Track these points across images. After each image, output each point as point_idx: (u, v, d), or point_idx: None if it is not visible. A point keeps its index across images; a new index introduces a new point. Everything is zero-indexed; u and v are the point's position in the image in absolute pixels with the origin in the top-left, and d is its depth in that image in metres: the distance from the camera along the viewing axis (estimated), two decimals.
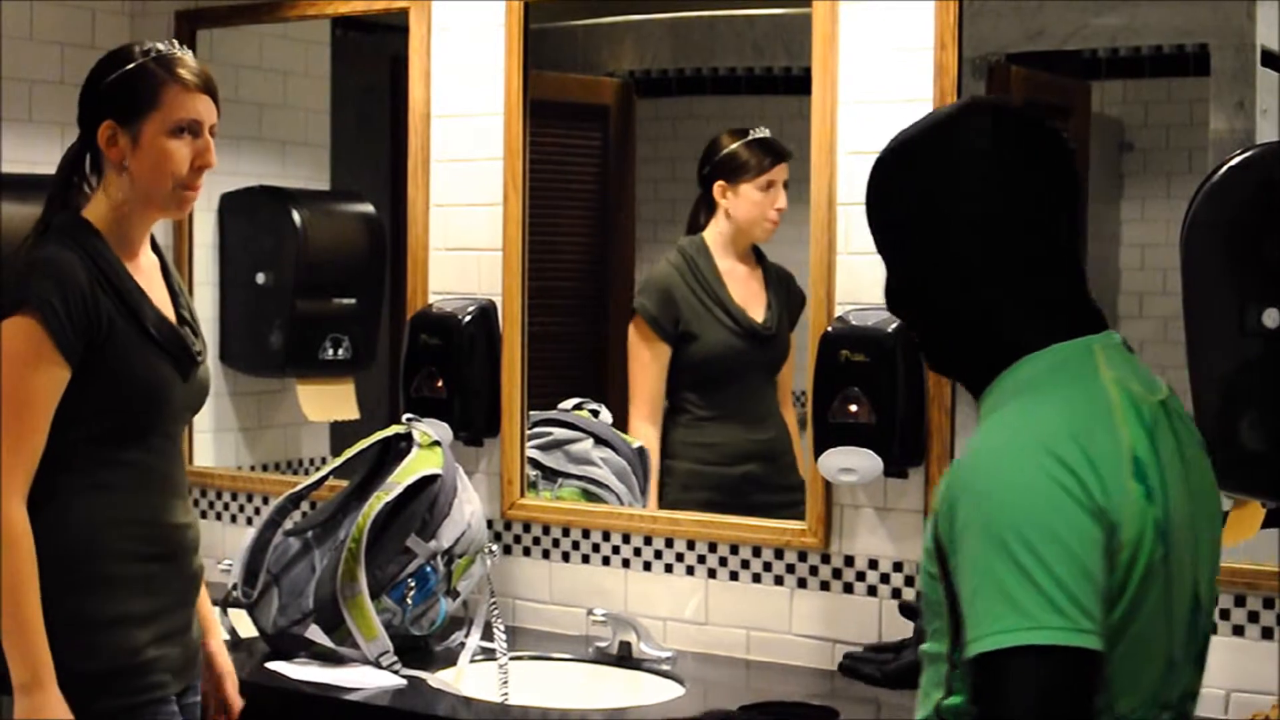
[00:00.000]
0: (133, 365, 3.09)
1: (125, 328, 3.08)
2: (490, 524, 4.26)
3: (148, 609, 3.13)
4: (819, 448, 3.72)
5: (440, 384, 4.29)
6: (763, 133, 4.45)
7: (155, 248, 3.31)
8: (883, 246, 2.25)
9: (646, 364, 4.43)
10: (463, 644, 3.92)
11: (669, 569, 4.06)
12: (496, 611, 3.91)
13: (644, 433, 4.44)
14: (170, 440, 3.22)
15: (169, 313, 3.21)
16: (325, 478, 4.14)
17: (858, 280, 3.73)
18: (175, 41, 3.23)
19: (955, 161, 2.16)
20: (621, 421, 4.52)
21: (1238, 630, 3.40)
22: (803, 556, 3.89)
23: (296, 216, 4.96)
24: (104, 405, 3.08)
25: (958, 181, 2.15)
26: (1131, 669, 2.05)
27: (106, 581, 3.10)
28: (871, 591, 3.80)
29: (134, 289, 3.12)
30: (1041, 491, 1.96)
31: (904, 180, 2.21)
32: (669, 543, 4.06)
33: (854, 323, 3.69)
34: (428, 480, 3.95)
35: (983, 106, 2.27)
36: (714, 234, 4.48)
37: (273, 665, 3.80)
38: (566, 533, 4.22)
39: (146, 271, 3.22)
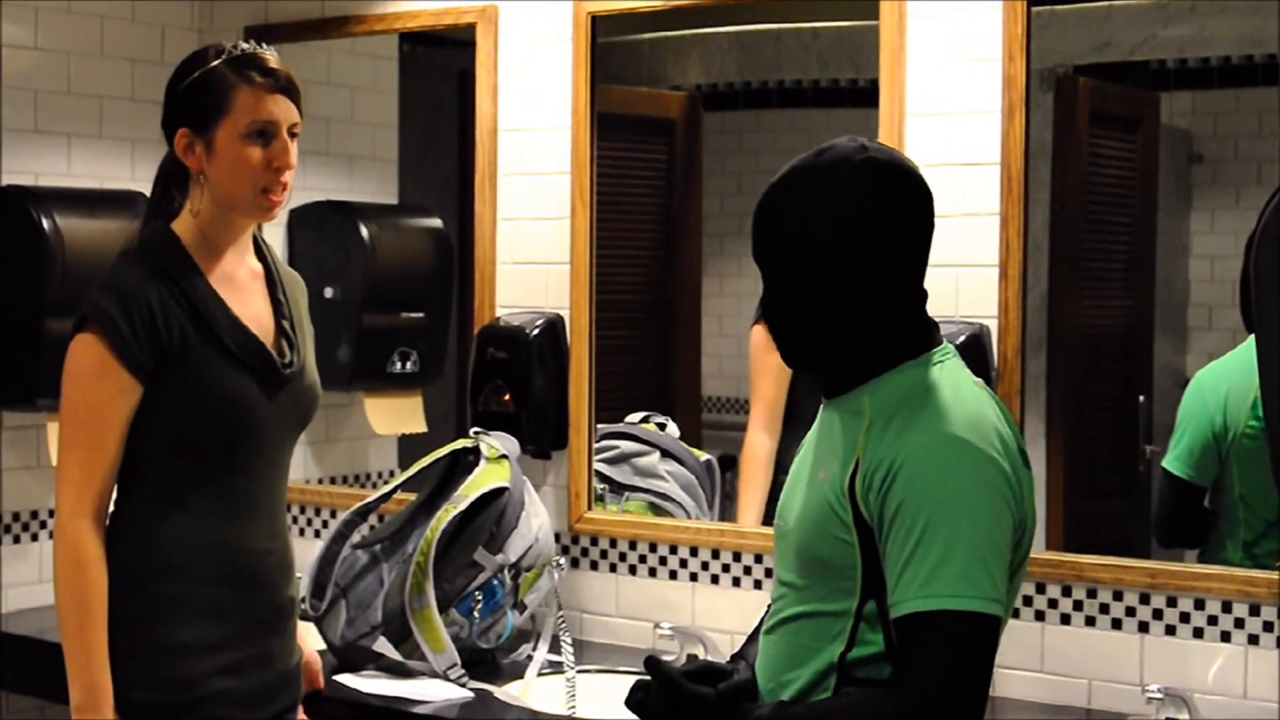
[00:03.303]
0: (206, 379, 3.03)
1: (198, 341, 3.02)
2: (557, 537, 4.26)
3: (213, 637, 3.06)
4: None
5: (508, 397, 4.30)
6: None
7: (262, 254, 3.23)
8: (763, 259, 2.57)
9: (770, 372, 4.28)
10: (530, 657, 3.93)
11: (736, 583, 4.05)
12: (564, 624, 3.92)
13: (759, 443, 4.31)
14: (256, 458, 3.12)
15: (263, 324, 3.14)
16: (393, 491, 4.15)
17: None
18: (254, 40, 3.14)
19: (836, 197, 2.48)
20: (693, 434, 4.51)
21: None
22: None
23: (364, 231, 4.98)
24: (178, 420, 3.03)
25: (841, 214, 2.47)
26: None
27: (171, 604, 3.03)
28: None
29: (211, 301, 3.05)
30: (980, 488, 2.38)
31: (789, 204, 2.52)
32: (736, 556, 4.05)
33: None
34: (495, 493, 3.95)
35: (861, 155, 2.52)
36: None
37: (340, 678, 3.81)
38: (634, 546, 4.22)
39: (241, 281, 3.15)
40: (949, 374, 2.52)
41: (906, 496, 2.39)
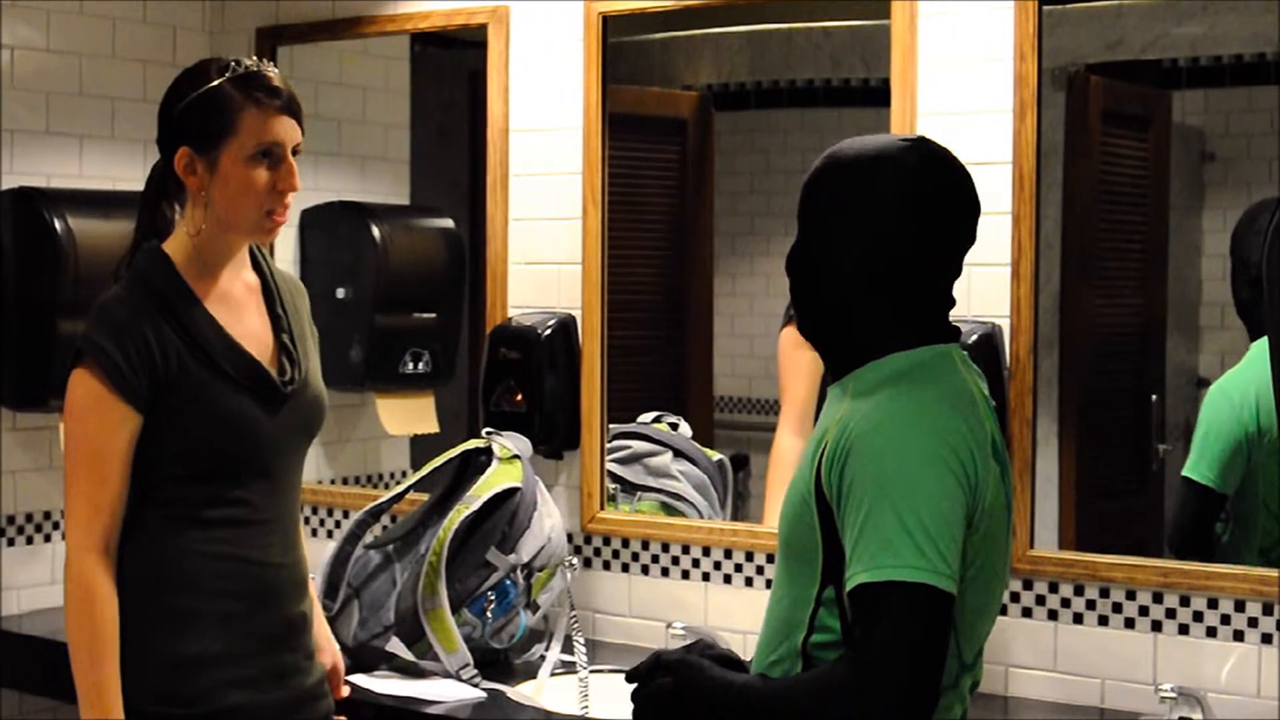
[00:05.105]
0: (205, 404, 2.98)
1: (196, 368, 2.97)
2: (570, 537, 4.26)
3: (220, 650, 3.01)
4: None
5: (520, 397, 4.30)
6: None
7: (259, 267, 3.17)
8: (804, 224, 2.62)
9: (802, 373, 4.24)
10: (543, 657, 3.93)
11: (749, 582, 4.05)
12: (576, 624, 3.92)
13: (788, 445, 4.26)
14: (264, 476, 3.07)
15: (262, 341, 3.10)
16: (405, 491, 4.15)
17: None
18: (255, 56, 3.07)
19: (884, 187, 2.53)
20: (705, 434, 4.50)
21: None
22: None
23: (376, 232, 4.98)
24: (181, 446, 2.99)
25: (883, 204, 2.53)
26: (973, 620, 2.52)
27: (182, 616, 3.00)
28: None
29: (207, 326, 3.00)
30: (930, 464, 2.40)
31: (840, 184, 2.57)
32: (749, 556, 4.05)
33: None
34: (508, 494, 3.95)
35: (919, 150, 2.58)
36: None
37: (354, 678, 3.80)
38: (646, 546, 4.22)
39: (237, 298, 3.10)
40: (932, 365, 2.55)
41: (858, 471, 2.41)
